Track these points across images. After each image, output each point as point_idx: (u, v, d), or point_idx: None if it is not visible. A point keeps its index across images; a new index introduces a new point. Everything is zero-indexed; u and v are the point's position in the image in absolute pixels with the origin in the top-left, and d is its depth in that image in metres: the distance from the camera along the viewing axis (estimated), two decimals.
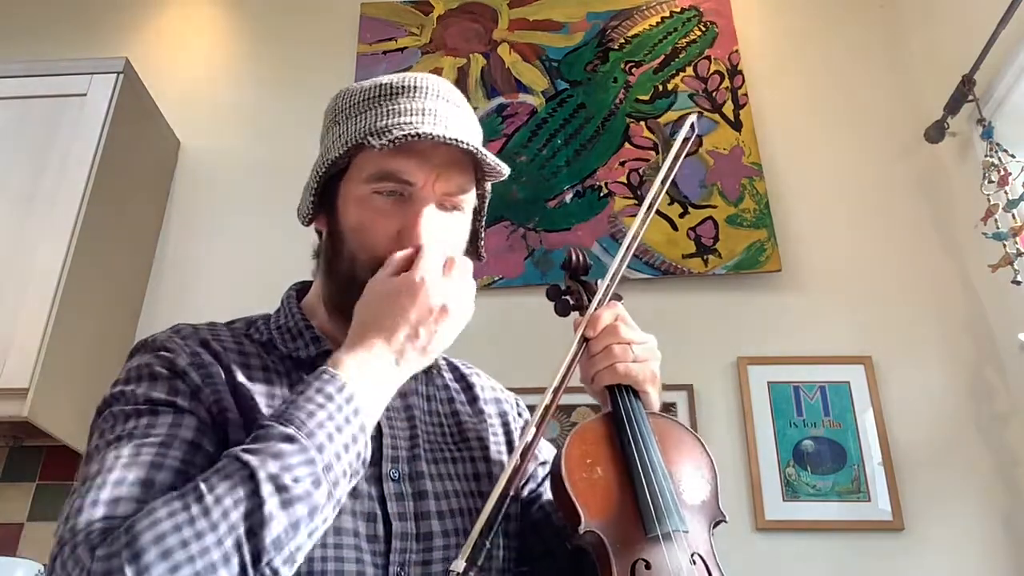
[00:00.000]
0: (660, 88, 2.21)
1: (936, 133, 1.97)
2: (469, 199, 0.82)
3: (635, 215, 2.20)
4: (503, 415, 0.93)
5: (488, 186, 0.88)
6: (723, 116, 2.15)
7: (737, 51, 2.24)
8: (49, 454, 1.81)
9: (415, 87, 0.80)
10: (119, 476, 0.61)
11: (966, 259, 1.94)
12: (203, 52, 2.39)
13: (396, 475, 0.76)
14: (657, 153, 2.12)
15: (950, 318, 1.90)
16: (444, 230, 0.78)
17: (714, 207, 2.03)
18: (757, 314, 1.93)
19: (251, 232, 2.10)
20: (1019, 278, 1.62)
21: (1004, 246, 1.66)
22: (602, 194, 2.07)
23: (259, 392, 0.73)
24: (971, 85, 1.83)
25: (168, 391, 0.70)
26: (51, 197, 1.75)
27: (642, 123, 2.16)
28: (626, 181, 2.08)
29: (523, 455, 0.74)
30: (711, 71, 2.22)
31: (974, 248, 1.87)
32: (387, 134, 0.74)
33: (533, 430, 0.77)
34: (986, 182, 1.73)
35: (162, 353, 0.73)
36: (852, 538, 1.69)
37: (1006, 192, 1.70)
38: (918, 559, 1.66)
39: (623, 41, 2.29)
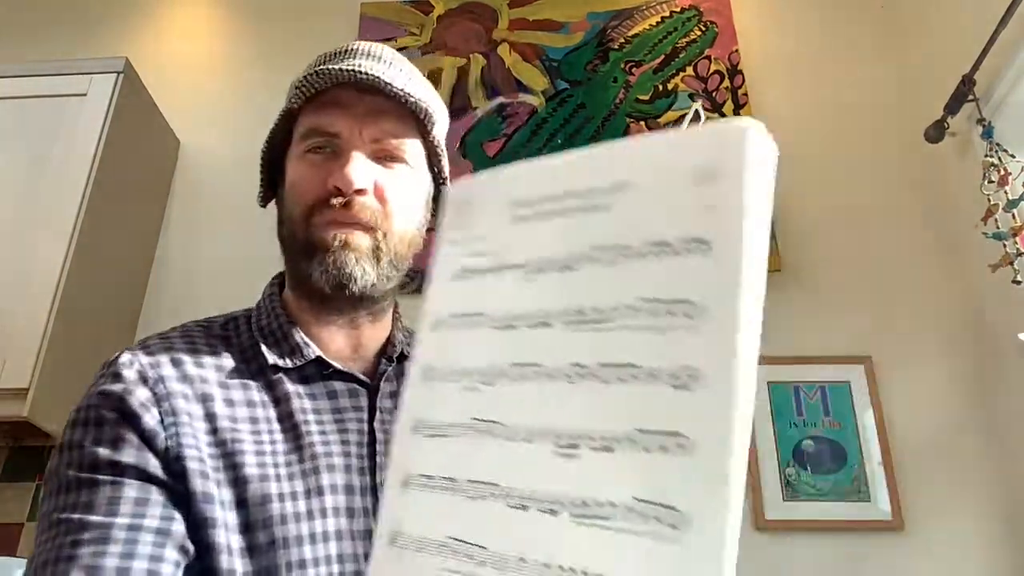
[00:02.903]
0: (660, 88, 2.21)
1: (936, 133, 1.97)
2: (411, 149, 0.79)
3: None
4: None
5: (438, 138, 0.83)
6: (723, 116, 2.15)
7: (737, 51, 2.24)
8: (49, 454, 1.82)
9: (344, 51, 0.80)
10: None
11: (966, 259, 1.94)
12: (203, 52, 2.39)
13: None
14: None
15: (950, 318, 1.90)
16: (387, 181, 0.77)
17: None
18: None
19: (251, 232, 2.09)
20: (1019, 278, 1.62)
21: (1004, 246, 1.66)
22: None
23: (241, 417, 0.70)
24: (971, 85, 1.83)
25: (113, 444, 0.64)
26: (51, 197, 1.75)
27: (642, 123, 2.16)
28: None
29: None
30: (711, 71, 2.22)
31: (974, 248, 1.87)
32: (304, 90, 0.75)
33: None
34: (986, 182, 1.73)
35: (113, 387, 0.68)
36: (852, 538, 1.69)
37: (1006, 192, 1.70)
38: (918, 559, 1.66)
39: (623, 41, 2.29)
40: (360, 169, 0.74)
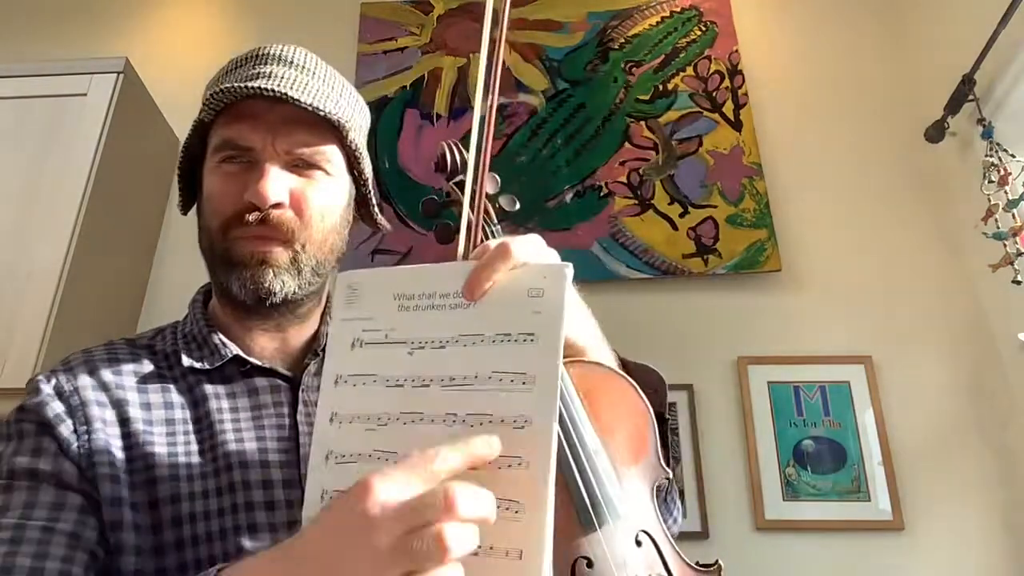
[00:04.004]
0: (660, 88, 2.21)
1: (936, 133, 1.97)
2: (330, 157, 0.79)
3: (636, 215, 2.19)
4: None
5: (357, 142, 0.82)
6: (723, 116, 2.15)
7: (737, 51, 2.24)
8: None
9: (256, 55, 0.79)
10: None
11: (966, 259, 1.94)
12: (203, 52, 2.39)
13: None
14: (657, 153, 2.12)
15: (950, 318, 1.90)
16: (303, 191, 0.76)
17: (714, 207, 2.03)
18: (757, 314, 1.93)
19: None
20: (1019, 278, 1.62)
21: (1004, 246, 1.66)
22: (602, 194, 2.07)
23: (157, 420, 0.72)
24: (971, 85, 1.83)
25: (33, 454, 0.68)
26: (51, 197, 1.74)
27: (642, 123, 2.16)
28: (626, 181, 2.08)
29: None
30: (711, 71, 2.22)
31: (974, 248, 1.87)
32: (214, 105, 0.75)
33: None
34: (986, 182, 1.73)
35: (31, 402, 0.71)
36: (852, 538, 1.69)
37: (1006, 192, 1.70)
38: (918, 559, 1.66)
39: (623, 41, 2.29)
40: (275, 184, 0.74)
